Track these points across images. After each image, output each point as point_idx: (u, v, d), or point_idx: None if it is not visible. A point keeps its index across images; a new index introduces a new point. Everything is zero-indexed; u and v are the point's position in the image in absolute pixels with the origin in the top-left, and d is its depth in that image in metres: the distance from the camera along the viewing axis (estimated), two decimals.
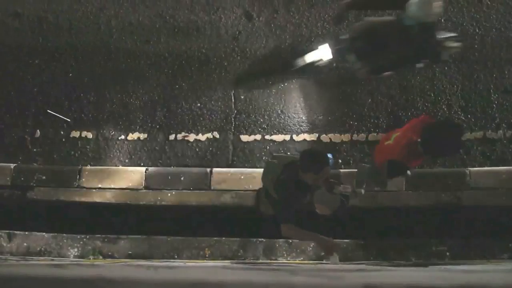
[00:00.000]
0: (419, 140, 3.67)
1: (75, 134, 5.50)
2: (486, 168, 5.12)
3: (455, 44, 4.55)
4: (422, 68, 5.20)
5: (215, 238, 4.93)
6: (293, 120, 5.44)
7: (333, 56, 4.92)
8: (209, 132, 5.45)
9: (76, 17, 5.87)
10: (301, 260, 4.78)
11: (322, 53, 5.00)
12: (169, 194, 5.13)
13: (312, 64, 5.13)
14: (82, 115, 5.57)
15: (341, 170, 5.10)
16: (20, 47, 5.79)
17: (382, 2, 4.54)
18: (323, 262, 4.67)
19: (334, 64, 5.55)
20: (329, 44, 4.92)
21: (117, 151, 5.38)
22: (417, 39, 4.21)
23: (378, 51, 4.39)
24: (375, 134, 5.34)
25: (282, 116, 5.46)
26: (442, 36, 4.48)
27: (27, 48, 5.79)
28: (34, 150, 5.37)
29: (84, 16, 5.87)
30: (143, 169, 5.23)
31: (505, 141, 5.25)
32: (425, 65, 4.90)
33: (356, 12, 5.27)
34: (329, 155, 4.45)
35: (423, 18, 4.12)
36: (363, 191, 4.29)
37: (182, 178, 5.16)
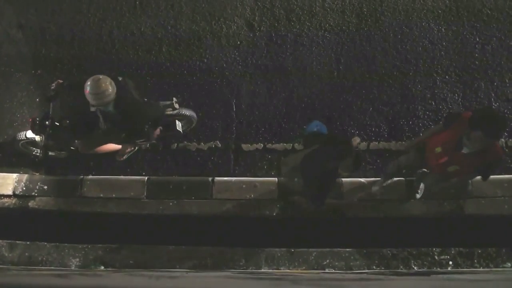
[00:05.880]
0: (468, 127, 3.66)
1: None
2: None
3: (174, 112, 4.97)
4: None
5: (217, 248, 4.92)
6: (294, 129, 5.45)
7: None
8: (211, 141, 5.46)
9: (78, 27, 5.91)
10: (303, 269, 4.76)
11: None
12: (170, 204, 5.12)
13: None
14: None
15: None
16: (23, 58, 5.83)
17: None
18: (326, 271, 4.67)
19: (335, 73, 5.59)
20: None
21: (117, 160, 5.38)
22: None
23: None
24: (377, 142, 5.34)
25: (284, 125, 5.47)
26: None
27: (30, 59, 5.83)
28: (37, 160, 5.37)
29: (87, 26, 5.92)
30: (145, 178, 5.24)
31: (506, 150, 5.25)
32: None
33: None
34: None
35: None
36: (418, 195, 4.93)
37: (183, 188, 5.16)
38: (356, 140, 4.23)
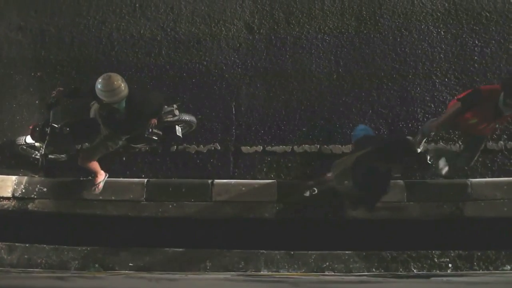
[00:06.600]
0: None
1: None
2: (487, 179, 5.12)
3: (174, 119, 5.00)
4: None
5: (216, 250, 4.92)
6: (293, 131, 5.45)
7: None
8: (210, 143, 5.46)
9: (78, 30, 5.93)
10: (303, 272, 4.75)
11: None
12: (170, 206, 5.12)
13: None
14: None
15: None
16: (23, 60, 5.84)
17: None
18: (325, 274, 4.67)
19: (335, 76, 5.60)
20: None
21: (119, 162, 5.38)
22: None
23: None
24: None
25: (283, 127, 5.47)
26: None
27: (30, 61, 5.83)
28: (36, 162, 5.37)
29: (86, 29, 5.93)
30: (144, 180, 5.23)
31: (506, 152, 5.25)
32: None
33: None
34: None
35: None
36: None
37: (183, 190, 5.16)
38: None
